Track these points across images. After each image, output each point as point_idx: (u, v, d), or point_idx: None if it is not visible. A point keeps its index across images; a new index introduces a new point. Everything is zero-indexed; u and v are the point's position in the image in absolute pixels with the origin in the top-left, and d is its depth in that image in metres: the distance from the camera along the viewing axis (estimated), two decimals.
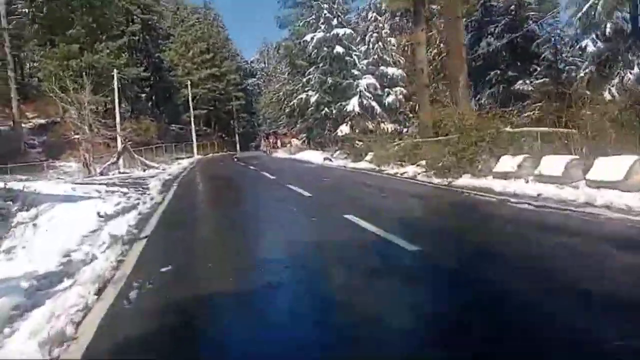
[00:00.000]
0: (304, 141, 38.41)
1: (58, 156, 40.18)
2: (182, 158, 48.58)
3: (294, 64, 45.49)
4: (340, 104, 33.52)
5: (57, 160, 38.66)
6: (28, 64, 53.16)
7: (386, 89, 35.17)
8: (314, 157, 27.45)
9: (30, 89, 48.33)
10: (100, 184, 17.24)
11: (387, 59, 35.98)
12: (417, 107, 26.55)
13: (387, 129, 34.12)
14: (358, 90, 33.28)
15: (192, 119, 51.97)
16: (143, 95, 56.19)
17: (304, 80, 36.97)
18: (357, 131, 32.79)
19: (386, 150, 18.47)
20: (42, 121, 45.15)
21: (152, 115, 52.94)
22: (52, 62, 40.22)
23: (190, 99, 51.38)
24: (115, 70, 36.06)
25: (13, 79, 38.27)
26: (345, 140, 32.68)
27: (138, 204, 10.46)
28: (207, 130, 62.65)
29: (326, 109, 33.69)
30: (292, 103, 47.66)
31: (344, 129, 32.98)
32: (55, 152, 39.82)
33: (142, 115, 49.54)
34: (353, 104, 32.91)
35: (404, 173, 14.38)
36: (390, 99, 34.84)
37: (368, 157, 19.88)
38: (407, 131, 34.12)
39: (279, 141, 50.22)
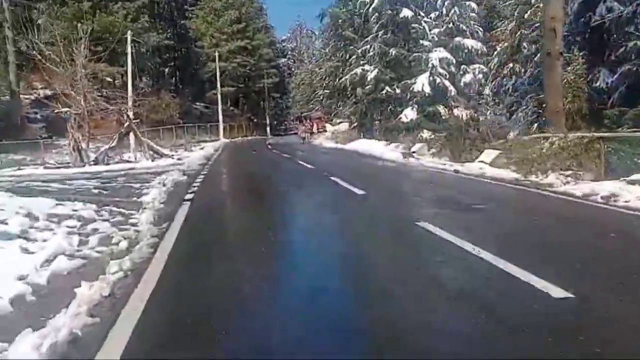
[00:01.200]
0: (354, 127, 31.38)
1: (63, 133, 34.35)
2: (206, 141, 42.31)
3: (341, 35, 38.55)
4: (406, 82, 26.54)
5: (62, 139, 32.72)
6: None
7: (462, 66, 28.02)
8: (377, 149, 20.64)
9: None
10: (69, 184, 10.84)
11: (464, 28, 28.76)
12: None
13: (462, 115, 27.10)
14: (429, 65, 26.20)
15: (220, 97, 45.53)
16: (165, 68, 50.14)
17: (359, 51, 29.95)
18: (423, 116, 25.95)
19: (531, 149, 11.57)
20: (50, 92, 39.36)
21: (175, 91, 46.67)
22: (61, 22, 34.12)
23: (217, 73, 44.87)
24: (129, 32, 29.66)
25: (11, 40, 32.15)
26: (408, 129, 25.84)
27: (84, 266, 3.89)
28: (235, 111, 56.22)
29: (387, 87, 26.70)
30: (339, 81, 40.94)
31: (409, 114, 26.06)
32: (59, 129, 33.93)
33: (162, 90, 43.29)
34: (422, 83, 25.89)
35: (616, 197, 7.41)
36: (467, 78, 27.77)
37: (486, 158, 13.00)
38: (489, 119, 27.08)
39: (315, 126, 43.47)
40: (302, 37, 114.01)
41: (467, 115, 27.36)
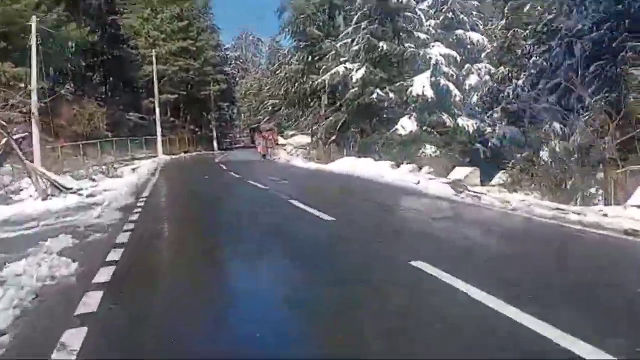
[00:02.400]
0: (330, 141, 25.10)
1: None
2: (141, 158, 34.92)
3: (304, 33, 32.62)
4: (401, 84, 20.81)
5: None
6: None
7: (466, 65, 22.69)
8: (383, 172, 14.59)
9: None
10: None
11: (465, 19, 23.52)
12: None
13: (466, 126, 21.78)
14: (431, 62, 20.62)
15: (158, 106, 38.27)
16: (92, 73, 42.21)
17: (337, 46, 23.92)
18: (425, 127, 20.43)
19: None
20: None
21: (103, 99, 38.97)
22: None
23: (155, 77, 37.62)
24: (33, 18, 22.30)
25: None
26: (405, 144, 20.28)
27: None
28: (176, 122, 48.78)
29: (378, 90, 20.77)
30: (300, 86, 34.92)
31: (406, 124, 20.32)
32: None
33: (86, 97, 35.62)
34: (422, 85, 20.24)
35: None
36: (472, 79, 22.40)
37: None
38: (498, 132, 21.98)
39: (272, 139, 37.12)
40: (247, 45, 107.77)
41: (473, 127, 22.12)
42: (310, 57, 34.59)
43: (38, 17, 22.86)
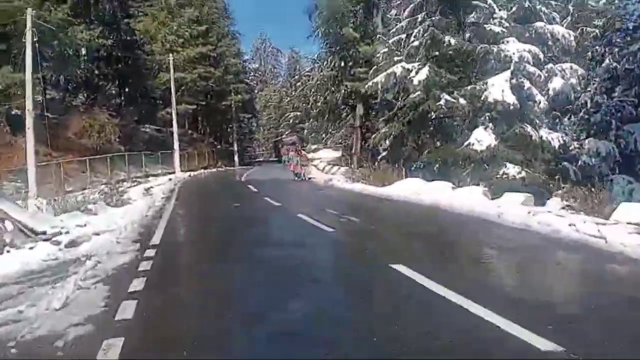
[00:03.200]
0: (381, 158, 20.85)
1: None
2: (157, 175, 31.38)
3: (339, 35, 28.95)
4: (473, 88, 16.77)
5: None
6: None
7: (547, 66, 18.59)
8: (485, 206, 10.43)
9: None
10: None
11: (543, 10, 19.51)
12: None
13: (550, 140, 17.66)
14: (512, 61, 16.57)
15: (175, 117, 34.72)
16: (105, 82, 38.93)
17: (390, 42, 19.93)
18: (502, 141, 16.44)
19: None
20: None
21: (116, 110, 35.55)
22: None
23: (172, 85, 34.12)
24: (29, 10, 18.82)
25: None
26: (479, 162, 16.35)
27: None
28: (194, 135, 45.32)
29: (445, 95, 16.70)
30: (332, 95, 31.24)
31: (482, 137, 16.22)
32: None
33: (96, 107, 32.29)
34: (501, 89, 16.17)
35: None
36: (557, 82, 18.26)
37: None
38: (588, 147, 17.89)
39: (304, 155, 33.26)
40: (266, 56, 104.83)
41: (559, 141, 17.97)
42: (343, 63, 30.86)
43: (34, 11, 19.30)
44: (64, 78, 36.69)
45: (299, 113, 75.87)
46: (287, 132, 72.84)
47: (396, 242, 8.08)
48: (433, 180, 14.90)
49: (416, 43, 17.66)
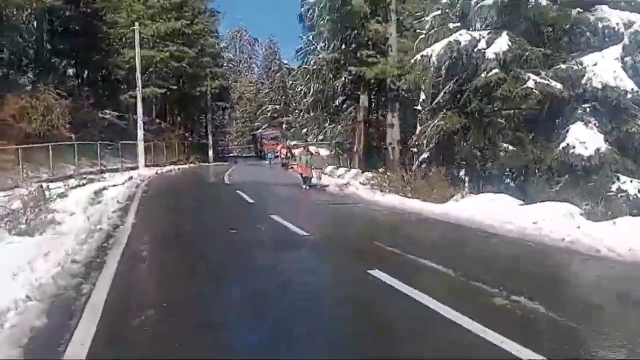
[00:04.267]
0: (425, 161, 15.38)
1: None
2: (116, 170, 25.55)
3: (348, 11, 23.83)
4: (569, 67, 11.88)
5: None
6: None
7: None
8: None
9: None
10: None
11: None
12: None
13: None
14: (621, 34, 11.75)
15: (140, 101, 28.79)
16: (56, 58, 32.71)
17: (443, 1, 14.67)
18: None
19: None
20: None
21: (66, 90, 29.15)
22: None
23: (138, 62, 28.15)
24: None
25: None
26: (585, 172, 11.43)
27: None
28: (163, 125, 39.37)
29: (532, 76, 11.72)
30: (334, 81, 26.12)
31: (584, 135, 11.33)
32: None
33: (41, 85, 26.12)
34: (610, 69, 11.35)
35: None
36: None
37: None
38: None
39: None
40: (242, 45, 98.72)
41: None
42: (349, 44, 25.81)
43: None
44: (7, 51, 30.72)
45: (278, 106, 70.48)
46: (264, 126, 67.34)
47: None
48: (501, 192, 9.89)
49: (489, 1, 12.57)
